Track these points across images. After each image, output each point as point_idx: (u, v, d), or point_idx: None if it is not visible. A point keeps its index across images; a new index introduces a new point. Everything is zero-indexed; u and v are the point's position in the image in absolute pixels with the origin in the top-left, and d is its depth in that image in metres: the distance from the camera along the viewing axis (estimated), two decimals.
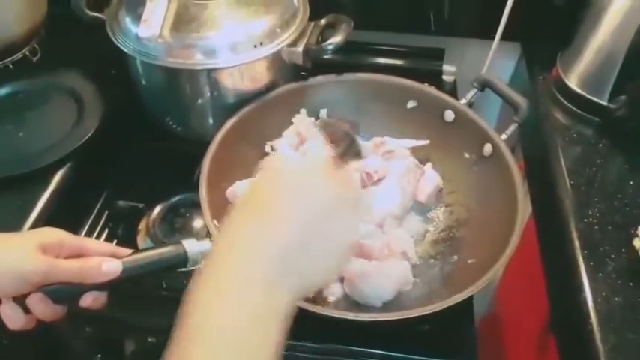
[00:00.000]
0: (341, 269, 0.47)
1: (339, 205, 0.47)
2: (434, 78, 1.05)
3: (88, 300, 0.58)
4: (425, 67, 1.07)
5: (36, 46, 1.00)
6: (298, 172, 0.49)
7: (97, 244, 0.61)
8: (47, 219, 0.76)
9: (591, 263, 0.68)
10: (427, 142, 0.85)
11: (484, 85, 0.83)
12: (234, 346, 0.40)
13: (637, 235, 0.68)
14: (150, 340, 0.74)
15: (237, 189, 0.77)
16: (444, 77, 1.07)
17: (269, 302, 0.42)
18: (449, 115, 0.84)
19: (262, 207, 0.46)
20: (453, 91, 1.04)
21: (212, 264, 0.45)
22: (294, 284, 0.44)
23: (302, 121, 0.87)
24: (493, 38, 1.00)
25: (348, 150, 0.69)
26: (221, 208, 0.74)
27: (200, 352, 0.40)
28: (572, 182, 0.78)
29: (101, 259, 0.58)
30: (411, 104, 0.87)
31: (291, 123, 0.87)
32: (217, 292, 0.42)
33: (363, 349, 0.68)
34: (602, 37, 0.85)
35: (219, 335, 0.41)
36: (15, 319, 0.56)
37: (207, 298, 0.42)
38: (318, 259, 0.46)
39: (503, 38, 0.99)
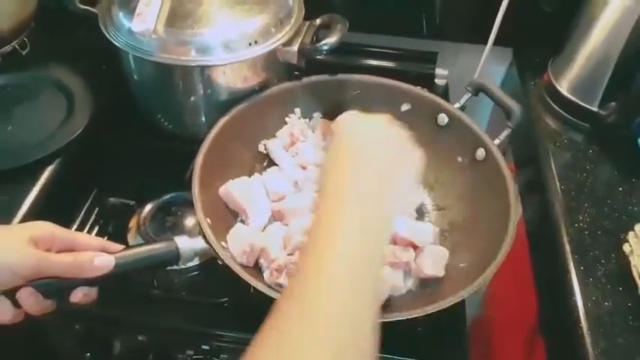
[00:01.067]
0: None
1: (403, 149, 0.57)
2: (426, 81, 1.05)
3: (79, 295, 0.57)
4: (417, 70, 1.08)
5: (25, 39, 0.98)
6: (369, 131, 0.57)
7: (89, 238, 0.61)
8: (36, 215, 0.75)
9: (582, 268, 0.68)
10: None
11: (478, 90, 0.84)
12: (354, 261, 0.45)
13: (627, 241, 0.69)
14: (140, 338, 0.74)
15: (230, 187, 0.76)
16: (437, 80, 1.07)
17: (375, 222, 0.49)
18: (442, 119, 0.84)
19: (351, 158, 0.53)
20: (445, 94, 1.05)
21: (325, 203, 0.50)
22: (389, 208, 0.51)
23: (296, 122, 0.87)
24: (485, 43, 1.00)
25: None
26: (213, 205, 0.74)
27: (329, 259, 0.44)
28: (562, 187, 0.78)
29: (93, 253, 0.57)
30: (404, 107, 0.87)
31: (285, 122, 0.87)
32: (333, 222, 0.47)
33: None
34: (593, 44, 0.86)
35: (340, 253, 0.44)
36: (3, 313, 0.55)
37: (325, 229, 0.47)
38: (399, 188, 0.54)
39: (496, 43, 1.00)
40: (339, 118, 0.63)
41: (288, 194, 0.79)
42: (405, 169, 0.56)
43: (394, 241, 0.74)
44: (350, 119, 0.60)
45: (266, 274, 0.69)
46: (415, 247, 0.73)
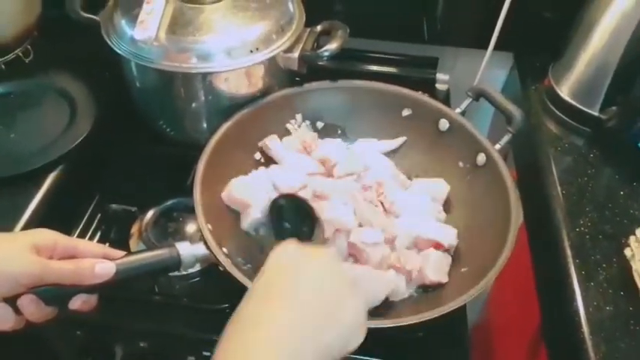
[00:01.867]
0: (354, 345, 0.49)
1: (341, 287, 0.50)
2: (427, 86, 1.05)
3: (78, 303, 0.58)
4: (418, 76, 1.08)
5: (29, 47, 0.99)
6: (301, 262, 0.51)
7: (90, 245, 0.61)
8: (38, 222, 0.75)
9: (583, 272, 0.68)
10: (404, 138, 0.87)
11: (479, 95, 0.84)
12: None
13: (628, 245, 0.69)
14: (141, 344, 0.74)
15: (232, 189, 0.77)
16: (438, 86, 1.08)
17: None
18: (443, 124, 0.84)
19: (274, 295, 0.48)
20: (446, 99, 1.05)
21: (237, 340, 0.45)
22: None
23: (306, 132, 0.87)
24: (486, 48, 1.01)
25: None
26: (215, 211, 0.74)
27: None
28: (563, 191, 0.78)
29: (94, 260, 0.58)
30: (406, 112, 0.87)
31: (286, 128, 0.87)
32: None
33: (355, 356, 0.68)
34: (593, 49, 0.86)
35: None
36: (5, 320, 0.55)
37: None
38: (332, 337, 0.47)
39: (496, 48, 1.00)
40: (274, 251, 0.54)
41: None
42: (339, 319, 0.48)
43: (416, 244, 0.74)
44: (285, 251, 0.53)
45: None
46: (439, 247, 0.73)
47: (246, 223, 0.76)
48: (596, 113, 0.87)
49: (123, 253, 0.62)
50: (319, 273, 0.50)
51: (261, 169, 0.83)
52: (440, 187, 0.82)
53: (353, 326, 0.49)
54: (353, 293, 0.50)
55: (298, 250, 0.53)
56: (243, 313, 0.47)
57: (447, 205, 0.82)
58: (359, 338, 0.49)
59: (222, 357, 0.43)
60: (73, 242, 0.59)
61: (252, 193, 0.77)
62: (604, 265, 0.69)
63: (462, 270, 0.72)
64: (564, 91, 0.91)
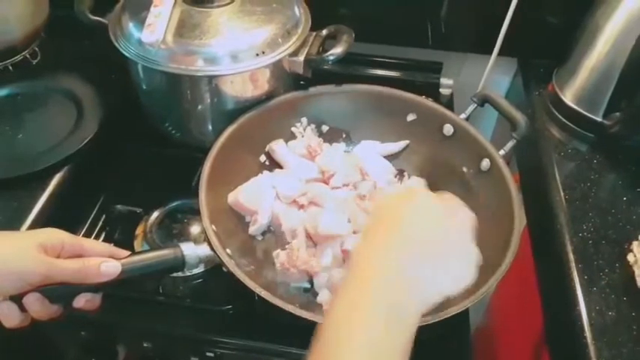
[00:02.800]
0: (468, 280, 0.53)
1: (451, 225, 0.54)
2: (431, 91, 1.06)
3: (82, 301, 0.58)
4: (423, 80, 1.09)
5: (36, 48, 1.00)
6: (414, 205, 0.54)
7: (95, 244, 0.61)
8: (44, 222, 0.76)
9: (585, 277, 0.68)
10: (407, 142, 0.87)
11: (484, 101, 0.84)
12: (374, 353, 0.43)
13: (631, 251, 0.69)
14: (145, 344, 0.74)
15: (239, 196, 0.78)
16: (442, 90, 1.08)
17: (402, 311, 0.46)
18: (448, 129, 0.84)
19: (392, 231, 0.50)
20: (450, 104, 1.05)
21: (352, 280, 0.48)
22: (423, 292, 0.48)
23: (311, 136, 0.88)
24: (490, 53, 1.01)
25: None
26: (219, 213, 0.74)
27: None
28: (567, 197, 0.79)
29: (100, 259, 0.58)
30: (410, 117, 0.87)
31: (291, 132, 0.88)
32: (355, 306, 0.45)
33: None
34: (597, 54, 0.86)
35: (360, 345, 0.43)
36: (11, 318, 0.56)
37: (347, 312, 0.45)
38: (443, 270, 0.50)
39: (501, 53, 1.01)
40: (383, 197, 0.60)
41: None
42: (452, 250, 0.52)
43: None
44: (394, 199, 0.56)
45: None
46: None
47: (253, 229, 0.77)
48: (599, 119, 0.87)
49: (128, 252, 0.62)
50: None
51: (266, 173, 0.83)
52: None
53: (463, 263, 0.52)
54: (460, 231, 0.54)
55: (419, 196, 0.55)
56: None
57: None
58: (470, 276, 0.52)
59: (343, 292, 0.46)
60: (79, 241, 0.60)
61: (258, 200, 0.78)
62: (607, 270, 0.69)
63: None
64: (568, 97, 0.91)
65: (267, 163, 0.86)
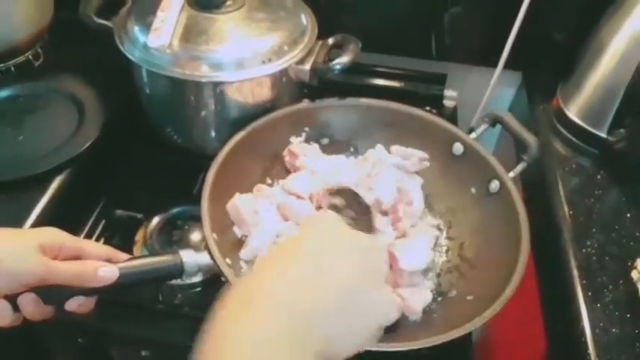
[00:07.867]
0: (369, 342, 0.46)
1: (376, 277, 0.48)
2: (435, 102, 1.06)
3: (74, 304, 0.57)
4: (426, 91, 1.08)
5: (39, 50, 0.99)
6: (341, 234, 0.49)
7: (96, 246, 0.61)
8: (43, 225, 0.73)
9: (589, 293, 0.68)
10: (425, 155, 0.84)
11: (495, 121, 0.83)
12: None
13: (635, 268, 0.69)
14: (142, 353, 0.73)
15: (237, 202, 0.76)
16: (445, 102, 1.08)
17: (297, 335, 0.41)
18: (458, 149, 0.83)
19: (304, 264, 0.45)
20: (453, 116, 1.05)
21: (237, 303, 0.43)
22: (319, 349, 0.41)
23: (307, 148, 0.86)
24: (494, 66, 1.01)
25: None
26: (221, 221, 0.73)
27: None
28: (571, 212, 0.78)
29: (98, 263, 0.57)
30: (420, 135, 0.86)
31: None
32: (238, 344, 0.40)
33: None
34: (603, 70, 0.86)
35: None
36: (3, 317, 0.55)
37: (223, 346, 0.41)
38: (349, 329, 0.44)
39: (505, 66, 1.01)
40: (313, 216, 0.54)
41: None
42: (369, 306, 0.46)
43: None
44: (323, 222, 0.50)
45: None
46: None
47: (243, 251, 0.74)
48: (604, 135, 0.87)
49: (127, 255, 0.61)
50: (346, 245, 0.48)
51: (274, 188, 0.82)
52: None
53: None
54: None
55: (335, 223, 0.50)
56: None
57: (456, 231, 0.81)
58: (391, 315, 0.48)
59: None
60: (79, 243, 0.59)
61: (256, 220, 0.75)
62: (610, 287, 0.69)
63: (468, 298, 0.71)
64: (572, 112, 0.91)
65: (272, 171, 0.84)
